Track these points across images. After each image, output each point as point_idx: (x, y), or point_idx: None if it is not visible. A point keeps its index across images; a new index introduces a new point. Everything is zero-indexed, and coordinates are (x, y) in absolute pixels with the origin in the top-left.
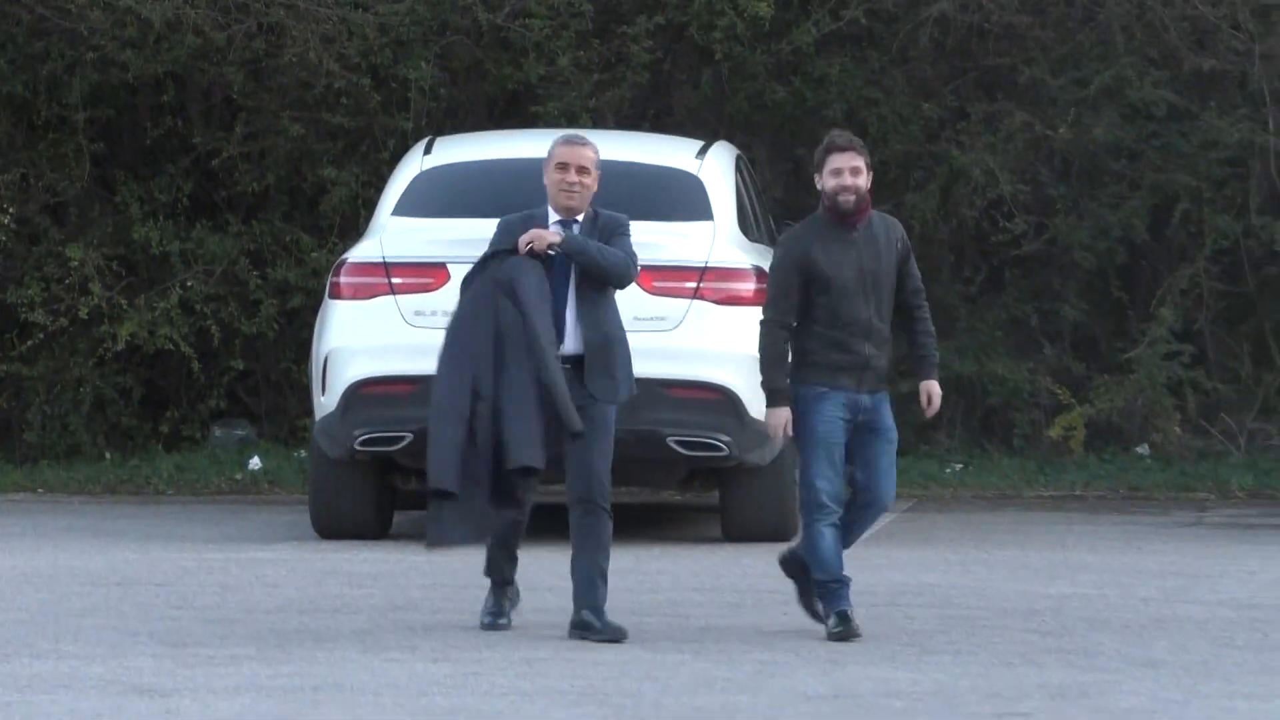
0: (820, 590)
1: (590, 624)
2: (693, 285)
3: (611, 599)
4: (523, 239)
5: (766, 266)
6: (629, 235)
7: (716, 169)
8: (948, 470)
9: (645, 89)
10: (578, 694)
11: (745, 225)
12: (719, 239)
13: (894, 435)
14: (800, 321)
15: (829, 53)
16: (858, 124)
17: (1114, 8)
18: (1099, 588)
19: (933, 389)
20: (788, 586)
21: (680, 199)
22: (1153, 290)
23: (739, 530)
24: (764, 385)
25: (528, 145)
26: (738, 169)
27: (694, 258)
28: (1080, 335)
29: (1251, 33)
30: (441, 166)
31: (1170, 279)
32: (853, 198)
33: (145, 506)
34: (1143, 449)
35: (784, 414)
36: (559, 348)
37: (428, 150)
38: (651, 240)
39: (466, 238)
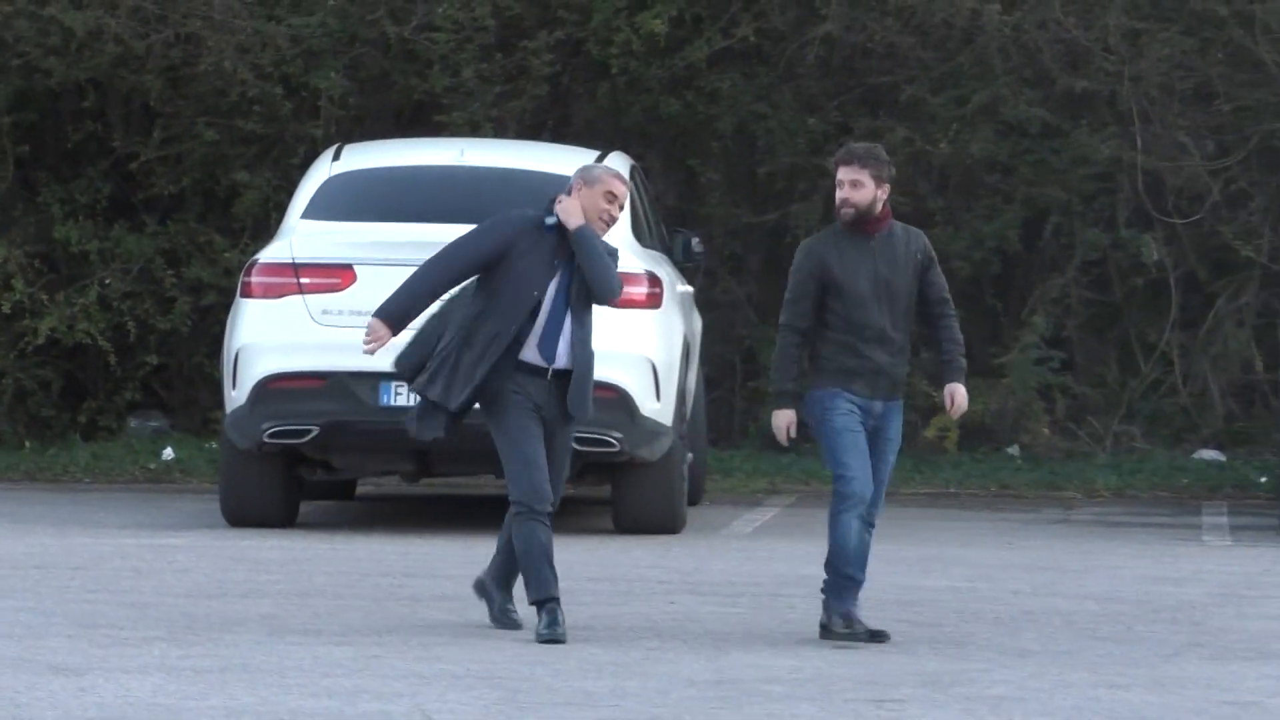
0: (830, 583)
1: (491, 594)
2: None
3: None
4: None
5: (660, 272)
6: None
7: None
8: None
9: (545, 100)
10: (473, 677)
11: (640, 232)
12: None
13: (898, 446)
14: (816, 327)
15: (720, 69)
16: (747, 137)
17: (992, 31)
18: (971, 581)
19: (957, 392)
20: (676, 576)
21: None
22: (1025, 299)
23: (630, 522)
24: (771, 386)
25: (433, 153)
26: (633, 178)
27: None
28: None
29: (1121, 55)
30: (349, 172)
31: (1041, 288)
32: (851, 211)
33: (63, 494)
34: (1013, 449)
35: (787, 415)
36: (552, 362)
37: (336, 156)
38: None
39: (373, 241)
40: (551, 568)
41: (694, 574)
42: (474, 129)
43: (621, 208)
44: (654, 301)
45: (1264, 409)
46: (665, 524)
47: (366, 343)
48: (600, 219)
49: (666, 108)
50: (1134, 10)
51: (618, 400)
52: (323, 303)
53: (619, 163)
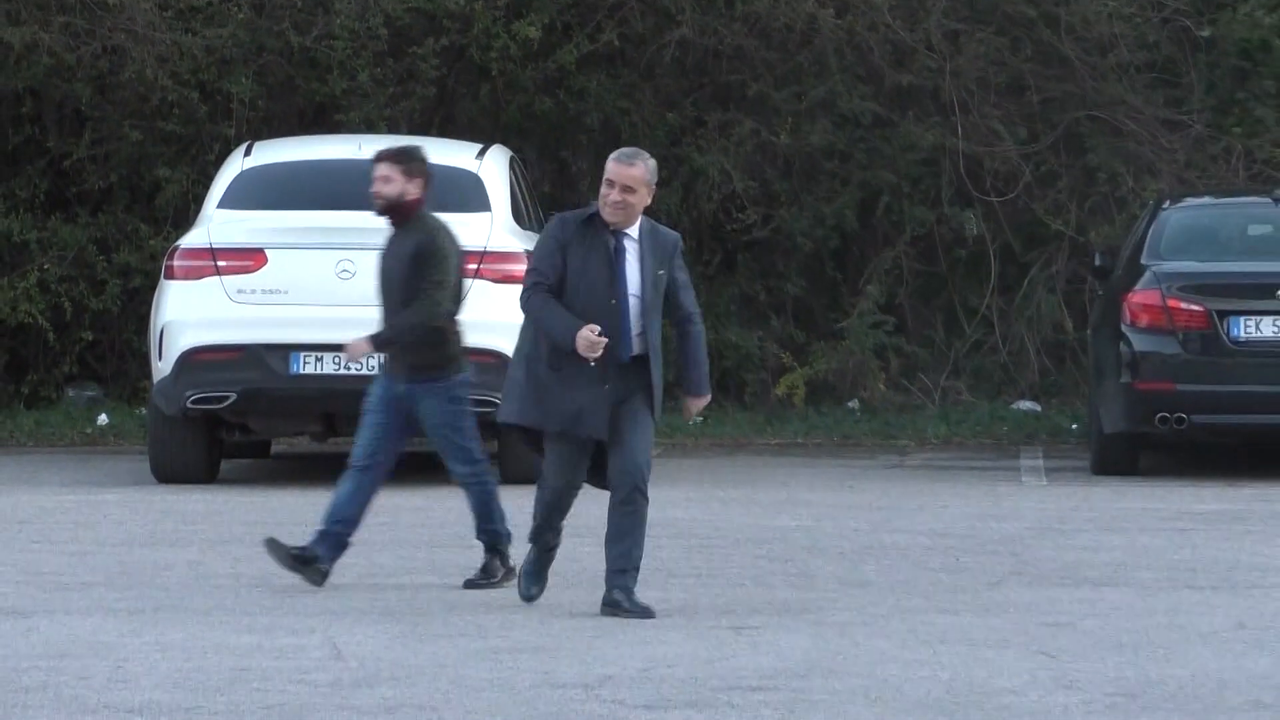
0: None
1: (619, 603)
2: (474, 266)
3: (403, 530)
4: (583, 346)
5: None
6: (681, 258)
7: (493, 168)
8: (690, 423)
9: (432, 100)
10: (378, 614)
11: (518, 215)
12: (496, 227)
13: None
14: None
15: (588, 70)
16: (612, 130)
17: (827, 33)
18: (817, 520)
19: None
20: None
21: (463, 193)
22: (861, 270)
23: (514, 473)
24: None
25: (333, 148)
26: (511, 168)
27: (475, 243)
28: (801, 308)
29: (942, 53)
30: (259, 166)
31: (876, 260)
32: (380, 202)
33: (9, 457)
34: (853, 404)
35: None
36: (630, 352)
37: (247, 153)
38: None
39: (281, 227)
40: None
41: (575, 518)
42: (369, 126)
43: (629, 189)
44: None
45: (1073, 364)
46: None
47: (595, 353)
48: (607, 207)
49: (540, 105)
50: (953, 13)
51: (501, 365)
52: (238, 283)
53: (499, 155)
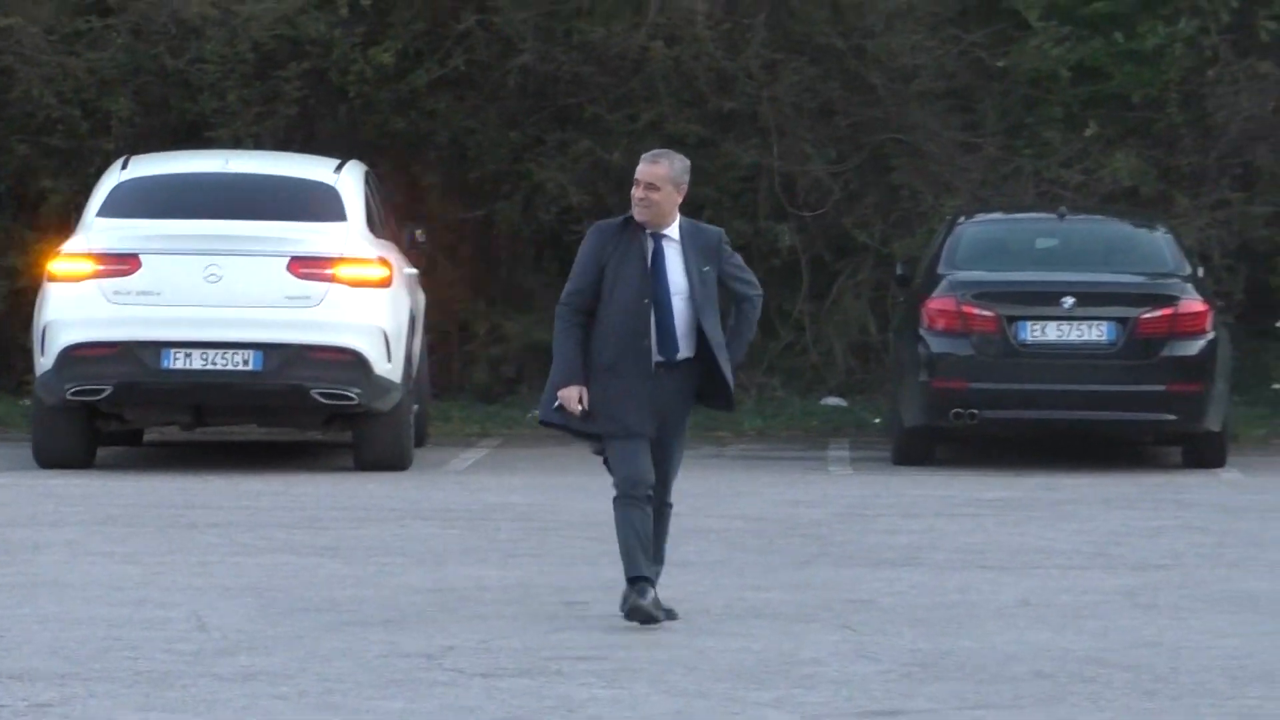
0: None
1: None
2: (331, 271)
3: (263, 512)
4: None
5: (391, 258)
6: (727, 249)
7: (350, 182)
8: (528, 415)
9: (295, 119)
10: (239, 589)
11: (372, 225)
12: (352, 236)
13: None
14: None
15: (438, 93)
16: (459, 148)
17: (657, 61)
18: None
19: None
20: (404, 504)
21: (322, 205)
22: None
23: (367, 461)
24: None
25: (203, 162)
26: (366, 182)
27: (333, 250)
28: None
29: (760, 81)
30: (135, 178)
31: None
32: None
33: None
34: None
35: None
36: (677, 353)
37: (124, 166)
38: (300, 236)
39: (155, 234)
40: (646, 549)
41: (419, 502)
42: (237, 142)
43: (653, 187)
44: (385, 282)
45: (877, 364)
46: (396, 462)
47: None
48: (635, 206)
49: (394, 124)
50: (770, 44)
51: (355, 362)
52: (115, 285)
53: (355, 169)
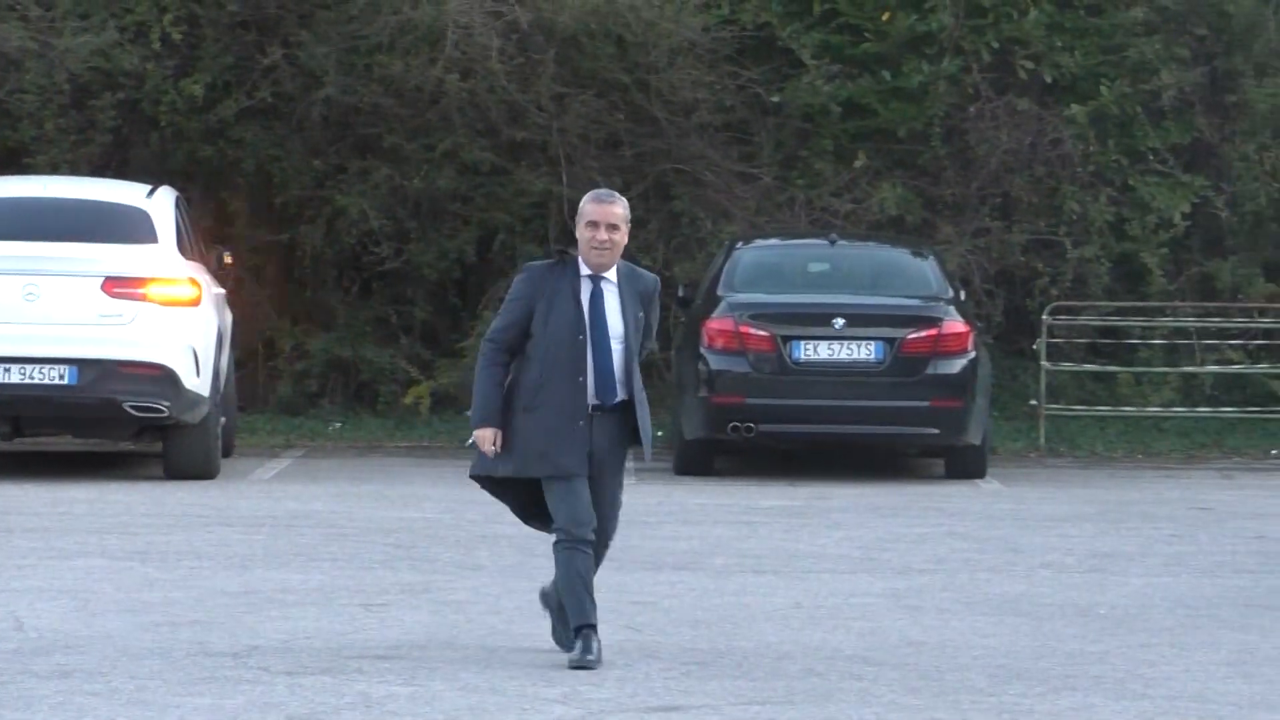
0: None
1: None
2: (143, 291)
3: (78, 518)
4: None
5: (200, 278)
6: (657, 301)
7: (161, 206)
8: (330, 427)
9: (110, 147)
10: (55, 591)
11: (183, 247)
12: (163, 257)
13: None
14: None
15: (245, 122)
16: (265, 174)
17: (453, 94)
18: (438, 513)
19: None
20: (212, 511)
21: (134, 227)
22: (479, 297)
23: (177, 470)
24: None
25: (22, 187)
26: (177, 206)
27: (144, 271)
28: (427, 329)
29: (550, 112)
30: None
31: (492, 289)
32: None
33: None
34: (470, 412)
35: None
36: (615, 397)
37: None
38: (113, 258)
39: None
40: (590, 595)
41: (227, 509)
42: (54, 169)
43: (614, 227)
44: (195, 301)
45: (660, 380)
46: (204, 471)
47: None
48: (594, 250)
49: (203, 152)
50: (560, 78)
51: (166, 377)
52: None
53: (166, 194)
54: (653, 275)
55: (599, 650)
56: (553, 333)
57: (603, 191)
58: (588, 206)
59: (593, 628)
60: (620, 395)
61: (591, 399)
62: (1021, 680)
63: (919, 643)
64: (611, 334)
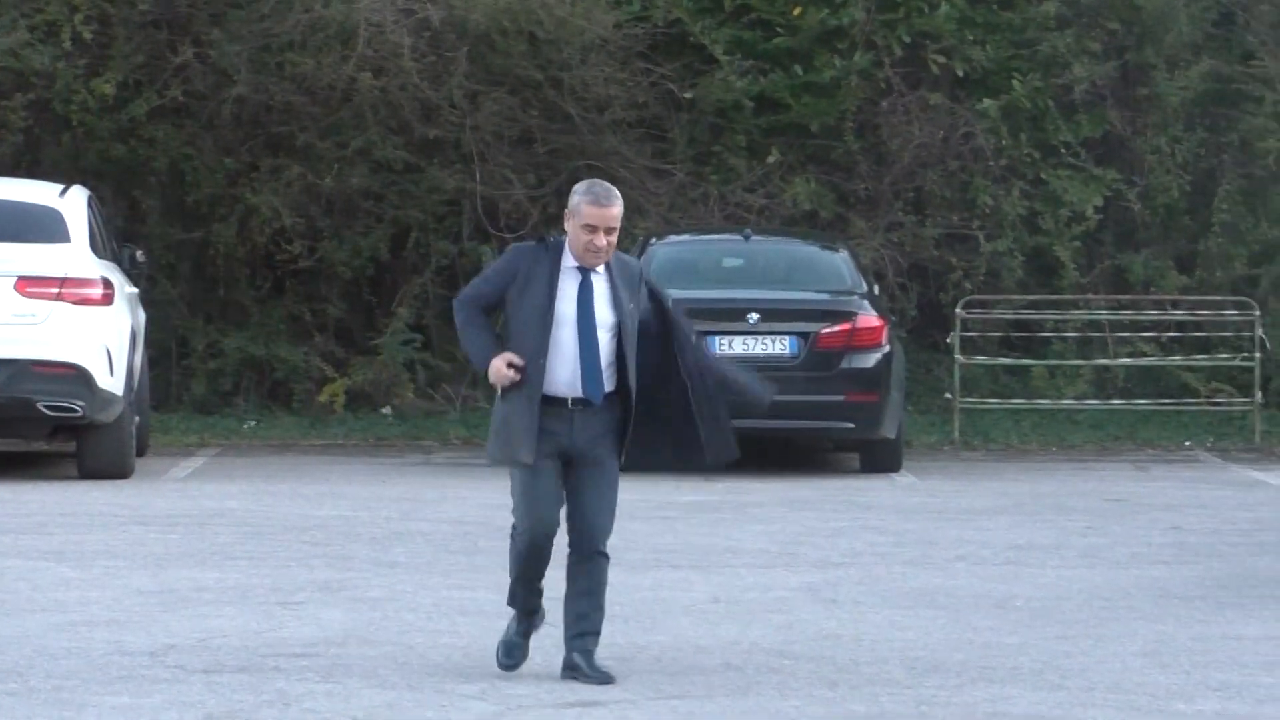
0: None
1: (579, 666)
2: (56, 290)
3: None
4: (496, 377)
5: (113, 277)
6: (646, 279)
7: (74, 205)
8: (244, 426)
9: (21, 146)
10: None
11: (95, 247)
12: (76, 256)
13: None
14: None
15: (157, 121)
16: (177, 173)
17: (365, 92)
18: (354, 510)
19: None
20: (127, 511)
21: (47, 227)
22: (393, 295)
23: (91, 470)
24: None
25: None
26: (90, 205)
27: (57, 270)
28: (341, 327)
29: (463, 110)
30: None
31: (406, 287)
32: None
33: None
34: (386, 410)
35: None
36: (600, 392)
37: None
38: (26, 257)
39: None
40: (525, 586)
41: (142, 509)
42: None
43: (611, 231)
44: (107, 300)
45: None
46: (119, 471)
47: (504, 384)
48: (589, 253)
49: (115, 151)
50: (472, 76)
51: (80, 376)
52: None
53: (79, 194)
54: (636, 261)
55: (513, 636)
56: (524, 317)
57: (600, 188)
58: (586, 208)
59: (521, 613)
60: (608, 387)
61: (576, 392)
62: (938, 672)
63: (836, 635)
64: (600, 324)
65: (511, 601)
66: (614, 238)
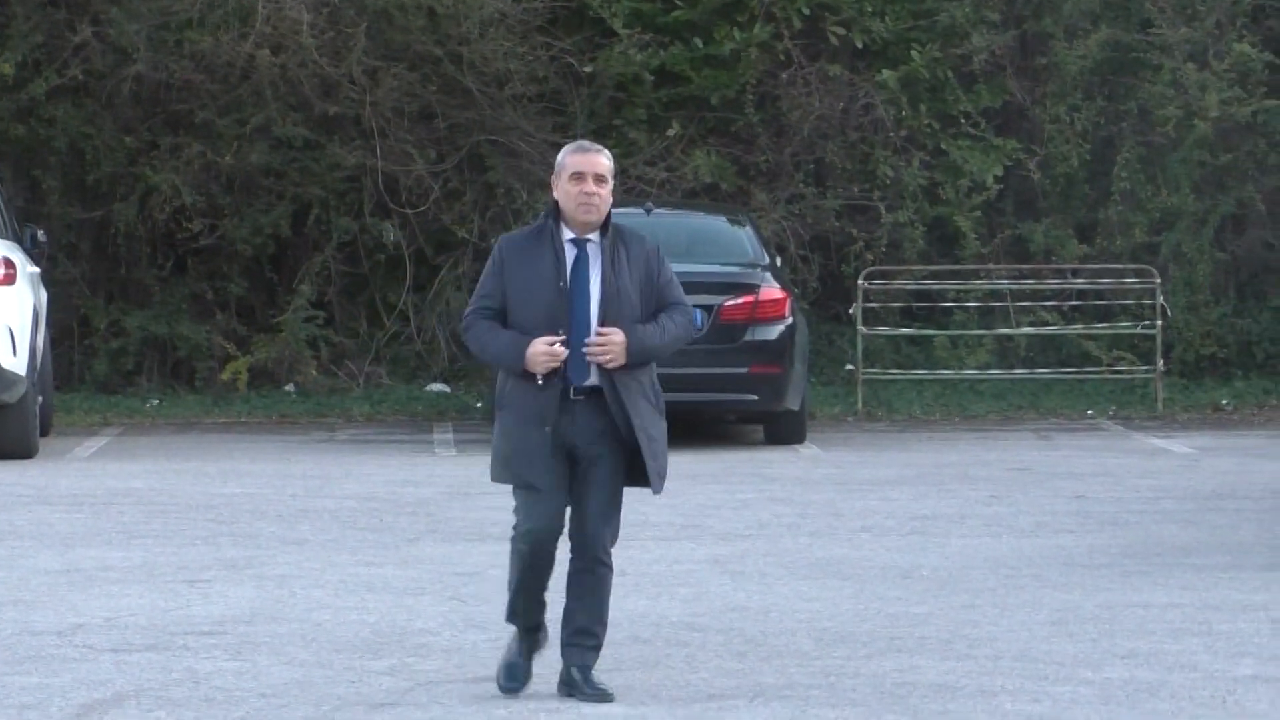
0: None
1: (575, 683)
2: None
3: None
4: (540, 361)
5: (14, 257)
6: (666, 261)
7: None
8: (147, 405)
9: None
10: None
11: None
12: None
13: None
14: None
15: (56, 100)
16: (78, 152)
17: (264, 69)
18: (259, 488)
19: None
20: (32, 491)
21: None
22: (295, 272)
23: None
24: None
25: None
26: None
27: None
28: (243, 305)
29: (363, 86)
30: None
31: (308, 264)
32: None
33: None
34: (290, 387)
35: None
36: (586, 376)
37: None
38: None
39: None
40: (528, 598)
41: (46, 489)
42: None
43: (601, 179)
44: (9, 280)
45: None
46: (22, 451)
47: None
48: (581, 206)
49: (14, 131)
50: (372, 51)
51: None
52: None
53: None
54: (645, 236)
55: (514, 656)
56: (531, 308)
57: (584, 142)
58: (570, 158)
59: (522, 630)
60: (592, 377)
61: (568, 379)
62: (846, 643)
63: (743, 608)
64: (592, 304)
65: (511, 617)
66: (605, 189)
